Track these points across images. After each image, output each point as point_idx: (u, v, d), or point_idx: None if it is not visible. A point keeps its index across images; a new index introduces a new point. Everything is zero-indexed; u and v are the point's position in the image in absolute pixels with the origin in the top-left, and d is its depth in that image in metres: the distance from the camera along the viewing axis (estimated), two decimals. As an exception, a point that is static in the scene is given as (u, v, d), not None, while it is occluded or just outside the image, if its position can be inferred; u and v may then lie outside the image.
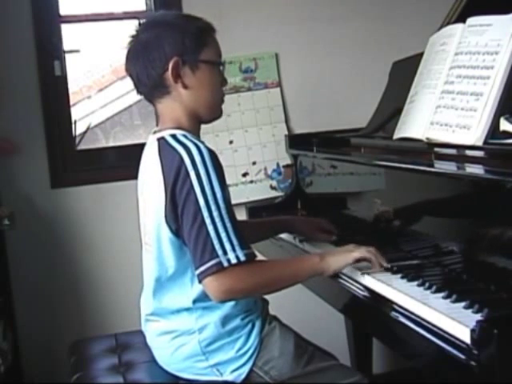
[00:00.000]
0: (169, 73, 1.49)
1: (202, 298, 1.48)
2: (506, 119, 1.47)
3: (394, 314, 1.38)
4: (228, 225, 1.40)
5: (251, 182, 2.68)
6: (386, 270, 1.53)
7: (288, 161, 2.48)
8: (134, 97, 2.88)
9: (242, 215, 2.29)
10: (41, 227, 2.52)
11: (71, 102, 2.61)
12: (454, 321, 1.20)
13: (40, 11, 2.47)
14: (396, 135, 1.84)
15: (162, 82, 1.51)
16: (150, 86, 1.53)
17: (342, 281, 1.58)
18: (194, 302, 1.49)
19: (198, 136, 1.55)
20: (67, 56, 2.56)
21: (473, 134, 1.52)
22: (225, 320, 1.50)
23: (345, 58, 2.76)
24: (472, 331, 1.11)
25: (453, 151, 1.58)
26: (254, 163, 2.69)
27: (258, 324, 1.54)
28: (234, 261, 1.39)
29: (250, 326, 1.53)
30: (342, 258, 1.53)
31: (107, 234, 2.57)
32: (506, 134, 1.47)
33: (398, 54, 2.15)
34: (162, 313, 1.55)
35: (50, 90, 2.50)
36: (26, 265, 2.50)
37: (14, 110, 2.46)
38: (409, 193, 1.67)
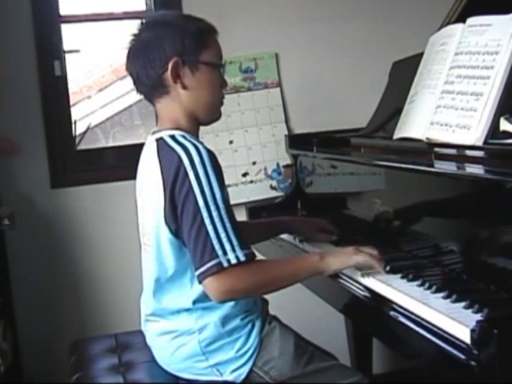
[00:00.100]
0: (168, 73, 1.49)
1: (202, 298, 1.48)
2: (506, 119, 1.47)
3: (393, 313, 1.38)
4: (227, 225, 1.40)
5: (251, 181, 2.68)
6: (387, 270, 1.53)
7: (288, 161, 2.48)
8: (134, 97, 2.88)
9: (241, 215, 2.29)
10: (41, 227, 2.52)
11: (71, 102, 2.61)
12: (454, 321, 1.20)
13: (40, 11, 2.47)
14: (396, 135, 1.84)
15: (162, 82, 1.51)
16: (150, 85, 1.53)
17: (341, 281, 1.58)
18: (194, 302, 1.49)
19: (196, 137, 1.55)
20: (67, 56, 2.56)
21: (473, 133, 1.52)
22: (225, 320, 1.50)
23: (345, 58, 2.76)
24: (472, 331, 1.11)
25: (453, 151, 1.58)
26: (254, 163, 2.69)
27: (257, 324, 1.54)
28: (233, 261, 1.38)
29: (249, 326, 1.53)
30: (342, 259, 1.53)
31: (107, 233, 2.57)
32: (506, 133, 1.47)
33: (397, 53, 2.15)
34: (162, 313, 1.55)
35: (50, 89, 2.50)
36: (26, 265, 2.50)
37: (14, 110, 2.46)
38: (409, 193, 1.67)
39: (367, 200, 1.86)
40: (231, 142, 2.67)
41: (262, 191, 2.68)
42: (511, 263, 1.28)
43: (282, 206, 2.31)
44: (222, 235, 1.39)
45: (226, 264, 1.38)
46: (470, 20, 1.67)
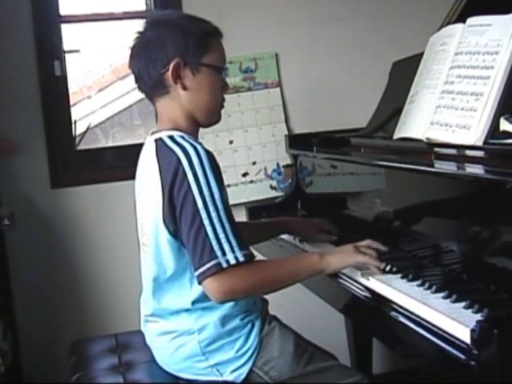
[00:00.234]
0: (169, 73, 1.49)
1: (202, 298, 1.48)
2: (506, 119, 1.47)
3: (394, 313, 1.38)
4: (226, 226, 1.40)
5: (251, 181, 2.68)
6: (386, 271, 1.53)
7: (288, 161, 2.48)
8: (134, 97, 2.89)
9: (241, 215, 2.29)
10: (41, 227, 2.52)
11: (71, 102, 2.61)
12: (454, 321, 1.20)
13: (40, 11, 2.47)
14: (396, 135, 1.84)
15: (162, 81, 1.51)
16: (150, 84, 1.53)
17: (341, 281, 1.58)
18: (193, 302, 1.49)
19: (196, 138, 1.55)
20: (67, 56, 2.56)
21: (473, 134, 1.52)
22: (224, 320, 1.50)
23: (345, 58, 2.76)
24: (472, 331, 1.11)
25: (453, 151, 1.58)
26: (254, 163, 2.69)
27: (257, 324, 1.54)
28: (232, 261, 1.38)
29: (249, 326, 1.53)
30: (342, 258, 1.53)
31: (107, 234, 2.57)
32: (506, 133, 1.47)
33: (397, 53, 2.15)
34: (162, 313, 1.55)
35: (50, 90, 2.50)
36: (25, 265, 2.50)
37: (14, 110, 2.46)
38: (409, 193, 1.67)
39: (367, 200, 1.86)
40: (231, 142, 2.67)
41: (262, 191, 2.68)
42: (511, 263, 1.28)
43: (282, 206, 2.31)
44: (221, 236, 1.39)
45: (225, 265, 1.38)
46: (470, 20, 1.67)
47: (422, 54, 1.86)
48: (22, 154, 2.47)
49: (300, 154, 2.31)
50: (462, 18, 1.76)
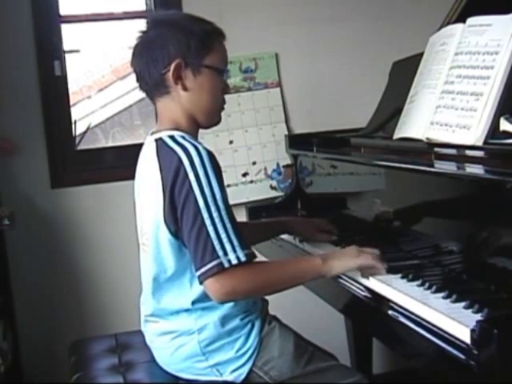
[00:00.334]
0: (170, 73, 1.49)
1: (201, 298, 1.48)
2: (506, 119, 1.47)
3: (394, 313, 1.38)
4: (228, 225, 1.40)
5: (251, 181, 2.68)
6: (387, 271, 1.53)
7: (288, 161, 2.48)
8: (134, 97, 2.89)
9: (241, 215, 2.29)
10: (41, 227, 2.52)
11: (71, 102, 2.61)
12: (454, 321, 1.20)
13: (40, 11, 2.47)
14: (396, 135, 1.84)
15: (163, 81, 1.51)
16: (151, 84, 1.53)
17: (342, 281, 1.58)
18: (193, 302, 1.49)
19: (195, 138, 1.55)
20: (67, 56, 2.56)
21: (473, 134, 1.52)
22: (224, 320, 1.50)
23: (345, 58, 2.76)
24: (472, 331, 1.11)
25: (453, 151, 1.58)
26: (254, 163, 2.69)
27: (257, 324, 1.54)
28: (234, 261, 1.38)
29: (249, 326, 1.53)
30: (345, 262, 1.52)
31: (107, 234, 2.57)
32: (506, 133, 1.47)
33: (397, 54, 2.15)
34: (161, 313, 1.55)
35: (50, 90, 2.50)
36: (25, 265, 2.50)
37: (14, 109, 2.46)
38: (409, 193, 1.67)
39: (367, 200, 1.86)
40: (231, 142, 2.67)
41: (262, 191, 2.68)
42: (511, 263, 1.28)
43: (282, 206, 2.31)
44: (223, 235, 1.39)
45: (226, 264, 1.38)
46: (470, 20, 1.67)
47: (421, 54, 1.86)
48: (22, 154, 2.47)
49: (300, 154, 2.31)
50: (462, 18, 1.76)
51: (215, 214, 1.39)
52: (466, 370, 1.13)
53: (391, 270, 1.52)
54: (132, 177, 1.62)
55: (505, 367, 1.06)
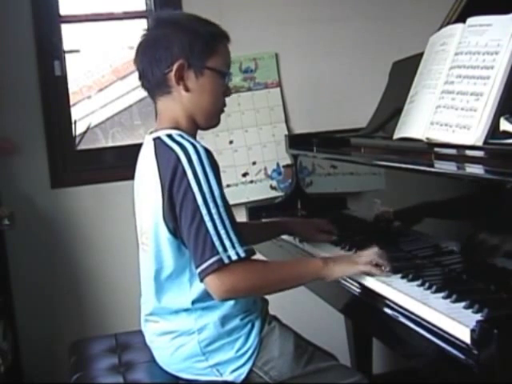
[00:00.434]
0: (172, 74, 1.49)
1: (201, 298, 1.48)
2: (506, 119, 1.47)
3: (394, 313, 1.38)
4: (226, 222, 1.40)
5: (251, 181, 2.68)
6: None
7: (288, 161, 2.48)
8: (134, 97, 2.89)
9: (241, 215, 2.28)
10: (41, 227, 2.52)
11: (71, 102, 2.61)
12: (454, 321, 1.20)
13: (40, 11, 2.47)
14: (396, 135, 1.84)
15: (165, 81, 1.51)
16: (153, 83, 1.53)
17: (341, 281, 1.58)
18: (193, 302, 1.49)
19: (194, 138, 1.55)
20: (67, 56, 2.56)
21: (473, 134, 1.52)
22: (224, 320, 1.50)
23: (345, 58, 2.76)
24: (472, 331, 1.11)
25: (453, 151, 1.58)
26: (254, 163, 2.69)
27: (257, 324, 1.54)
28: (234, 257, 1.38)
29: (249, 326, 1.53)
30: (346, 267, 1.52)
31: (107, 234, 2.57)
32: (506, 133, 1.47)
33: (397, 54, 2.15)
34: (161, 313, 1.55)
35: (50, 90, 2.50)
36: (26, 265, 2.50)
37: (14, 109, 2.46)
38: (409, 193, 1.67)
39: (367, 200, 1.86)
40: (231, 142, 2.67)
41: (262, 191, 2.68)
42: (511, 263, 1.28)
43: (282, 206, 2.31)
44: (222, 232, 1.39)
45: (226, 260, 1.38)
46: (470, 20, 1.67)
47: (421, 54, 1.86)
48: (22, 154, 2.47)
49: (300, 154, 2.31)
50: (462, 18, 1.76)
51: (214, 211, 1.39)
52: (465, 369, 1.13)
53: (391, 270, 1.52)
54: (132, 177, 1.62)
55: (505, 367, 1.06)
